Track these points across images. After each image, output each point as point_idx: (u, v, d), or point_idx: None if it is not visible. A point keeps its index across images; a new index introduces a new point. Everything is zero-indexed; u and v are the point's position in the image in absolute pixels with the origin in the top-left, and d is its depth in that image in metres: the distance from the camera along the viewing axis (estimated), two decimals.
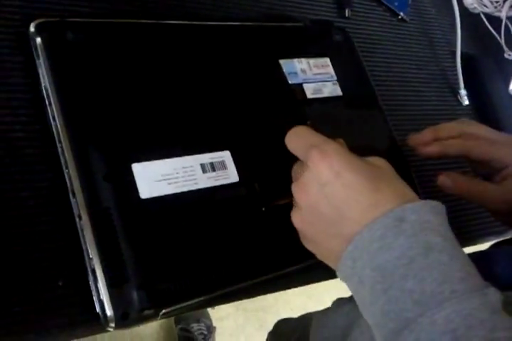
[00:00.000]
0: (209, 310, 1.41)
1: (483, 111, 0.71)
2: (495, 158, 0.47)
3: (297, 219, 0.39)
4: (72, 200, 0.36)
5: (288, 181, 0.44)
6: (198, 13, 0.53)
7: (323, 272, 0.47)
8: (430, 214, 0.34)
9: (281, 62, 0.50)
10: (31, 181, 0.37)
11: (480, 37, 0.80)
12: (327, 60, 0.53)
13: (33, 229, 0.36)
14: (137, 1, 0.49)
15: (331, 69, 0.53)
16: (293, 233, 0.43)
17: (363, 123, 0.53)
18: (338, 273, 0.36)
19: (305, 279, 0.46)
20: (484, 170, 0.49)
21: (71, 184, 0.36)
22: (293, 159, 0.46)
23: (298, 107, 0.49)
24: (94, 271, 0.34)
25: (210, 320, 1.39)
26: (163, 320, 1.37)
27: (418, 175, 0.56)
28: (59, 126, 0.37)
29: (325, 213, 0.36)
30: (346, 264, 0.34)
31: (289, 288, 0.46)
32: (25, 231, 0.36)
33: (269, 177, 0.44)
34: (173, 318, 1.37)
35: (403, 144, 0.56)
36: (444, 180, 0.47)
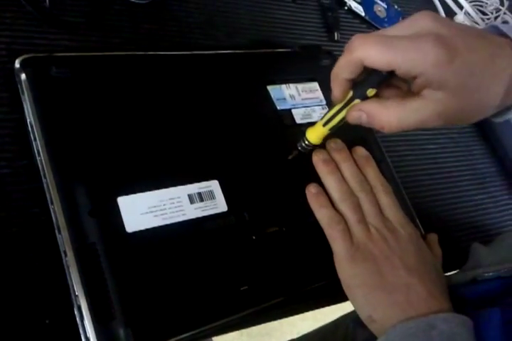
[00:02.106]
0: None
1: (481, 126, 0.70)
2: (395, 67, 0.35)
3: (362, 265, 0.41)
4: (58, 236, 0.36)
5: (277, 208, 0.44)
6: (186, 42, 0.53)
7: (319, 300, 0.47)
8: (460, 326, 0.37)
9: (270, 88, 0.50)
10: (17, 217, 0.37)
11: None
12: (316, 85, 0.53)
13: (19, 266, 0.36)
14: (125, 33, 0.50)
15: (320, 94, 0.53)
16: (285, 261, 0.43)
17: (355, 144, 0.53)
18: None
19: (300, 308, 0.45)
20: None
21: (56, 220, 0.36)
22: (282, 187, 0.46)
23: (287, 133, 0.49)
24: (80, 308, 0.34)
25: None
26: None
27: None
28: (44, 161, 0.37)
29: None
30: None
31: (283, 317, 0.45)
32: (12, 268, 0.36)
33: (259, 205, 0.43)
34: None
35: (396, 165, 0.56)
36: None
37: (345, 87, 0.39)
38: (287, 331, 1.42)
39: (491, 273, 0.44)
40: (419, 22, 0.35)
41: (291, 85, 0.52)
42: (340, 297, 0.43)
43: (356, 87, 0.39)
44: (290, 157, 0.45)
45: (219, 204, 0.41)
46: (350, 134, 0.51)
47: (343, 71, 0.38)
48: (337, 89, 0.39)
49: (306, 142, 0.43)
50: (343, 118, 0.41)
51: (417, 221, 0.52)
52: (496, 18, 0.85)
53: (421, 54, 0.34)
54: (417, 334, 0.37)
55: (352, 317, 0.60)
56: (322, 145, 0.45)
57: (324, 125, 0.42)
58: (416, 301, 0.39)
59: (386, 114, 0.37)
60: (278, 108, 0.50)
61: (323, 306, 0.47)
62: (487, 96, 0.36)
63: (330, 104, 0.43)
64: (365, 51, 0.35)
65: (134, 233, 0.37)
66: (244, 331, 1.40)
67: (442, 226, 0.59)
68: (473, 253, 0.52)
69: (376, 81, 0.38)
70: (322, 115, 0.52)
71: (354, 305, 0.41)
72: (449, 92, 0.35)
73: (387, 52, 0.34)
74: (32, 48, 0.44)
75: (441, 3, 0.80)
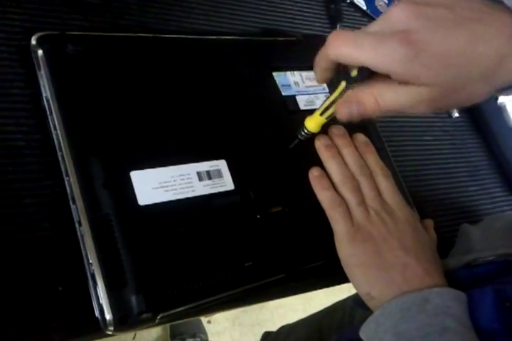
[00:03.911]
0: (205, 324, 1.41)
1: (474, 122, 0.72)
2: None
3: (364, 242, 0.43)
4: (72, 207, 0.37)
5: (281, 190, 0.46)
6: (193, 28, 0.54)
7: (318, 279, 0.48)
8: (453, 300, 0.38)
9: (275, 74, 0.52)
10: (32, 188, 0.38)
11: None
12: None
13: (33, 235, 0.37)
14: (134, 16, 0.51)
15: None
16: (287, 240, 0.44)
17: (355, 132, 0.54)
18: (360, 332, 0.40)
19: (299, 287, 0.47)
20: None
21: (71, 191, 0.37)
22: (286, 169, 0.47)
23: (291, 118, 0.50)
24: (93, 276, 0.35)
25: (206, 335, 1.38)
26: (158, 335, 1.37)
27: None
28: (60, 134, 0.38)
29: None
30: (370, 327, 0.40)
31: (283, 296, 0.46)
32: (26, 237, 0.37)
33: (264, 185, 0.45)
34: (168, 333, 1.36)
35: (394, 154, 0.58)
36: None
37: (327, 73, 0.41)
38: (278, 322, 1.43)
39: (485, 259, 0.46)
40: (393, 16, 0.35)
41: (296, 73, 0.53)
42: (339, 277, 0.45)
43: (344, 77, 0.40)
44: (291, 145, 0.47)
45: (226, 183, 0.43)
46: (351, 123, 0.53)
47: (321, 63, 0.40)
48: (319, 74, 0.42)
49: (306, 131, 0.45)
50: None
51: (414, 207, 0.54)
52: None
53: (385, 53, 0.34)
54: (411, 307, 0.38)
55: (352, 298, 0.61)
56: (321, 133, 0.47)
57: (321, 114, 0.43)
58: (412, 279, 0.41)
59: (372, 98, 0.38)
60: (283, 94, 0.51)
61: (321, 287, 0.49)
62: (470, 83, 0.35)
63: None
64: (335, 49, 0.36)
65: (146, 206, 0.38)
66: (236, 321, 1.41)
67: (435, 215, 0.61)
68: (463, 235, 0.53)
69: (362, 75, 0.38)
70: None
71: (353, 283, 0.43)
72: (426, 84, 0.35)
73: (353, 51, 0.35)
74: (45, 26, 0.45)
75: None
